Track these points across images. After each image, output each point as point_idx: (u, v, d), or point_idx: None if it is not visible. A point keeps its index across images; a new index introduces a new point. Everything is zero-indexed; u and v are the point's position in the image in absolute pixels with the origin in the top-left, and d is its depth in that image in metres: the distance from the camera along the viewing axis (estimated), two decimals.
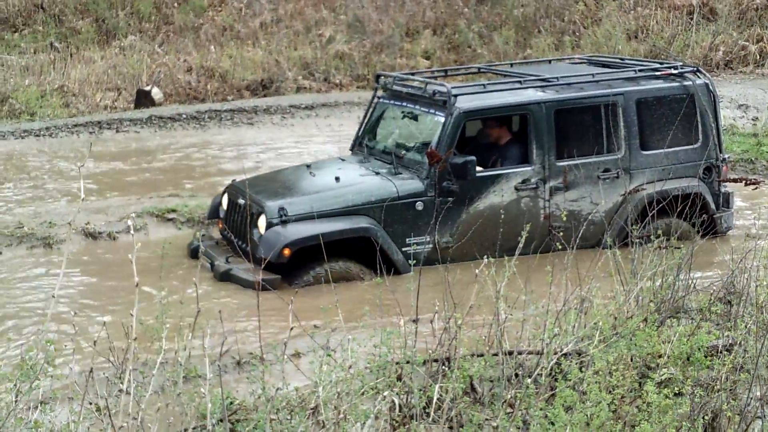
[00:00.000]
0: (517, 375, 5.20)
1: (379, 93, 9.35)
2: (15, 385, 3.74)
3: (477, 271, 4.85)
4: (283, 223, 7.88)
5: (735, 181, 5.81)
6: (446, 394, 4.56)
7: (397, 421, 4.82)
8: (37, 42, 17.17)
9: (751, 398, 4.87)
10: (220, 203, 8.77)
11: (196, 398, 4.45)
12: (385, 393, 4.88)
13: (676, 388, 4.82)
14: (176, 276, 7.92)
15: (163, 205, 9.71)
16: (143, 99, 15.20)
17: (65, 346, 5.18)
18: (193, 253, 8.52)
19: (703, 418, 4.75)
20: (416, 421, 4.42)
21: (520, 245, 5.29)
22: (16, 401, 3.70)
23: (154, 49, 16.88)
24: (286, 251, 7.71)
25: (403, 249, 8.04)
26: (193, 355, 5.19)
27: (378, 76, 9.53)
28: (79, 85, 15.47)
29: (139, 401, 4.07)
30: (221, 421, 4.50)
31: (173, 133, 13.56)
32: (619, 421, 4.55)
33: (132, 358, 3.71)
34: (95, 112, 14.78)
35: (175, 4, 18.18)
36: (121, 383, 3.84)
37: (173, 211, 9.51)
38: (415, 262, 6.19)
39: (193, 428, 4.19)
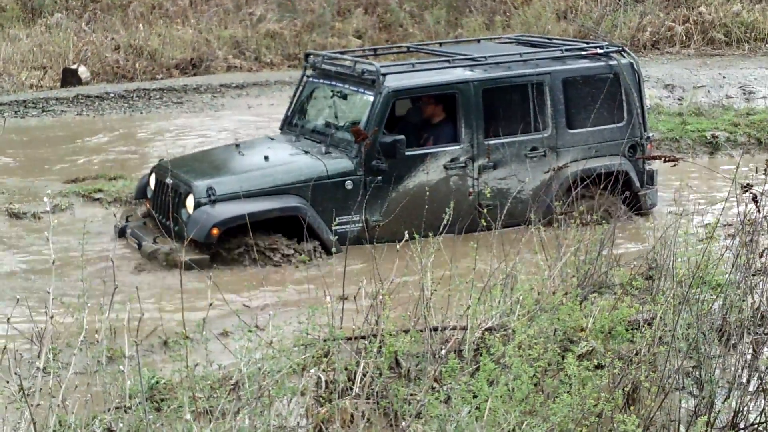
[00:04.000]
0: (443, 350, 5.26)
1: (309, 72, 9.32)
2: None
3: (398, 246, 4.88)
4: (212, 202, 7.83)
5: (654, 158, 5.92)
6: (369, 370, 4.59)
7: (323, 398, 4.85)
8: None
9: (670, 370, 4.98)
10: (147, 183, 8.67)
11: (119, 378, 4.41)
12: (312, 370, 4.91)
13: (596, 361, 4.91)
14: (102, 256, 7.82)
15: (89, 184, 9.56)
16: (70, 78, 14.92)
17: None
18: (121, 233, 8.42)
19: (624, 389, 4.85)
20: (339, 397, 4.44)
21: (444, 222, 5.33)
22: None
23: (81, 27, 16.56)
24: (215, 231, 7.68)
25: (333, 228, 8.04)
26: (119, 334, 5.15)
27: (307, 55, 9.49)
28: (4, 63, 15.14)
29: (61, 381, 4.02)
30: (146, 400, 4.48)
31: (101, 112, 13.35)
32: (542, 393, 4.63)
33: (49, 336, 3.67)
34: (20, 91, 14.47)
35: None
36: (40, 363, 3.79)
37: (100, 190, 9.37)
38: (337, 239, 6.24)
39: (116, 408, 4.17)
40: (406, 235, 5.34)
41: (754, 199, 5.22)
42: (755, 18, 17.41)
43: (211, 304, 4.24)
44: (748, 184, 5.24)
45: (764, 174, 5.30)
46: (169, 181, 8.16)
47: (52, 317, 3.71)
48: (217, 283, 6.48)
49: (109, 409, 4.17)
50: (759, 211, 5.40)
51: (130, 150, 11.52)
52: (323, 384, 4.92)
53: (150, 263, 7.77)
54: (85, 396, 4.24)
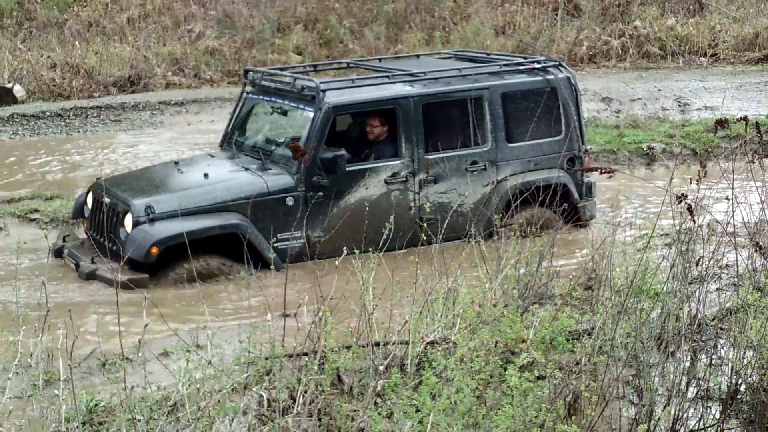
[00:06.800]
0: (388, 366, 5.24)
1: (248, 88, 9.28)
2: None
3: (337, 263, 4.87)
4: (151, 221, 7.75)
5: (591, 170, 5.99)
6: (310, 387, 4.57)
7: (266, 416, 4.80)
8: None
9: (610, 379, 5.03)
10: (84, 202, 8.55)
11: (56, 402, 4.33)
12: (254, 388, 4.86)
13: (537, 372, 4.94)
14: (38, 277, 7.68)
15: (25, 205, 9.40)
16: (5, 96, 14.65)
17: None
18: (58, 254, 8.29)
19: (565, 399, 4.88)
20: (280, 416, 4.40)
21: (384, 237, 5.34)
22: None
23: (16, 45, 16.30)
24: (154, 250, 7.59)
25: (275, 245, 7.98)
26: (57, 357, 5.06)
27: (246, 72, 9.46)
28: None
29: None
30: (84, 423, 4.40)
31: (37, 131, 13.14)
32: (484, 405, 4.64)
33: None
34: None
35: (38, 0, 17.61)
36: None
37: (36, 211, 9.22)
38: (278, 256, 6.20)
39: None
40: (345, 252, 5.33)
41: (689, 209, 5.29)
42: (689, 32, 17.78)
43: (146, 325, 4.17)
44: (682, 194, 5.32)
45: (697, 184, 5.39)
46: (106, 199, 8.05)
47: None
48: (157, 302, 6.40)
49: None
50: (694, 221, 5.48)
51: (67, 169, 11.35)
52: (265, 402, 4.87)
53: (88, 283, 7.65)
54: (21, 421, 4.15)
